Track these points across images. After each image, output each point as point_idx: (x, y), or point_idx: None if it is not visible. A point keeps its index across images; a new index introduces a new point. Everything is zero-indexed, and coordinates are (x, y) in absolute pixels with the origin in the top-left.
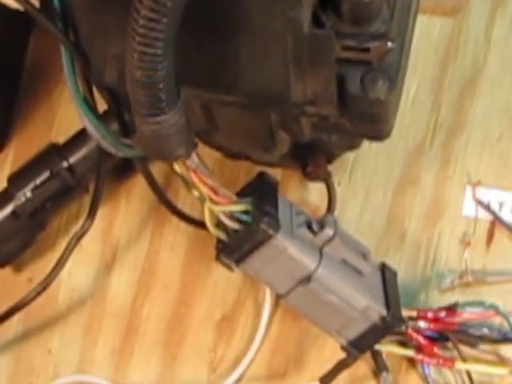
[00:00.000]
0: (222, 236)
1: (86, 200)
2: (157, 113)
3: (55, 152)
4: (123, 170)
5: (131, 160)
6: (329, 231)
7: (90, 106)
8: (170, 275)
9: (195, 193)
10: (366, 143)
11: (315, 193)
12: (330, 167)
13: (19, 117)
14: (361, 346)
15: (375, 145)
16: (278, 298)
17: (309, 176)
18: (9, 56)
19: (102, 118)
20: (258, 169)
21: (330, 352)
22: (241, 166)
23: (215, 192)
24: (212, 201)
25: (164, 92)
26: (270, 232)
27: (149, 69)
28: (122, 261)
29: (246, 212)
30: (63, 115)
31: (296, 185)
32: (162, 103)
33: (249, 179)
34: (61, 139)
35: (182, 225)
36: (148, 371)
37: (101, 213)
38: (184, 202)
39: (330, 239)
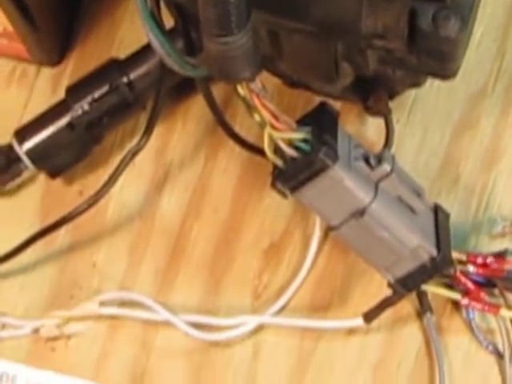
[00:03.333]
0: (279, 163)
1: (143, 118)
2: (226, 33)
3: (116, 66)
4: (181, 90)
5: (191, 81)
6: (386, 166)
7: (157, 21)
8: (220, 199)
9: (256, 117)
10: (427, 82)
11: (373, 128)
12: (390, 104)
13: (81, 29)
14: (408, 284)
15: (437, 85)
16: (327, 231)
17: (369, 110)
18: None
19: (168, 35)
20: (318, 99)
21: (376, 289)
22: (300, 95)
23: (276, 118)
24: (272, 126)
25: (234, 12)
26: (328, 162)
27: None
28: (174, 181)
29: (305, 140)
30: (126, 31)
31: (354, 119)
32: (231, 23)
33: (307, 109)
34: (122, 55)
35: (237, 150)
36: (191, 293)
37: (156, 132)
38: (240, 128)
39: (387, 175)
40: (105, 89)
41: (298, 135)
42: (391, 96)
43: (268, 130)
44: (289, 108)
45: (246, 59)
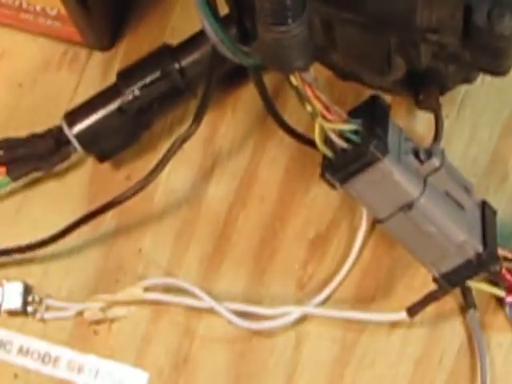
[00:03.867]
0: (329, 154)
1: (192, 105)
2: (281, 22)
3: (168, 53)
4: (232, 78)
5: (242, 69)
6: (436, 161)
7: (212, 8)
8: (268, 189)
9: (308, 108)
10: (478, 78)
11: (422, 122)
12: (441, 99)
13: (133, 15)
14: (453, 280)
15: (488, 81)
16: (374, 224)
17: (420, 104)
18: None
19: (222, 22)
20: (368, 92)
21: (420, 283)
22: (351, 87)
23: (327, 109)
24: (324, 117)
25: (291, 1)
26: (378, 155)
27: None
28: (222, 169)
29: (355, 132)
30: (178, 18)
31: (404, 112)
32: (287, 13)
33: (357, 102)
34: (173, 42)
35: (286, 140)
36: (235, 281)
37: (206, 119)
38: (290, 118)
39: (436, 169)
40: (156, 74)
41: (348, 127)
42: (442, 91)
43: (319, 120)
44: (339, 100)
45: (300, 49)
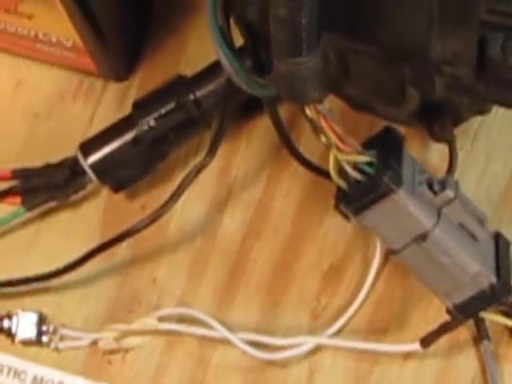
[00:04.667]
0: (343, 185)
1: (207, 136)
2: (296, 54)
3: (183, 84)
4: (247, 110)
5: (257, 100)
6: (450, 192)
7: (227, 39)
8: (281, 221)
9: (323, 139)
10: (492, 110)
11: (436, 154)
12: (455, 130)
13: (149, 45)
14: (467, 311)
15: (502, 113)
16: (388, 255)
17: (433, 136)
18: None
19: (237, 54)
20: (381, 123)
21: (434, 314)
22: (364, 118)
23: (342, 140)
24: (338, 148)
25: (306, 34)
26: (393, 186)
27: (294, 8)
28: (236, 200)
29: (370, 163)
30: (193, 48)
31: (417, 144)
32: (302, 45)
33: (371, 133)
34: (189, 72)
35: (300, 171)
36: (249, 312)
37: (220, 150)
38: (304, 149)
39: (450, 201)
40: (171, 105)
41: (363, 158)
42: (456, 122)
43: (334, 151)
44: (353, 131)
45: (315, 81)
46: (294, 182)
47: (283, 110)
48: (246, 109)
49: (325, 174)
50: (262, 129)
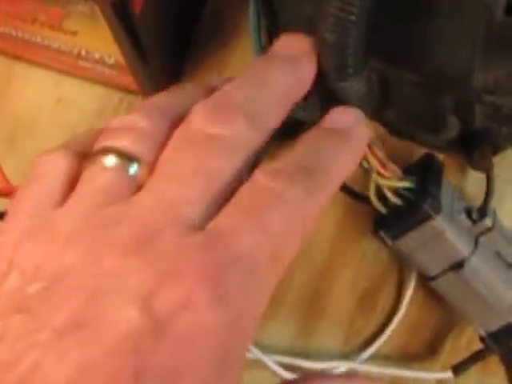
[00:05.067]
0: (383, 210)
1: None
2: (342, 78)
3: None
4: (287, 132)
5: (297, 123)
6: (488, 221)
7: None
8: (318, 244)
9: (364, 164)
10: None
11: (474, 182)
12: (493, 159)
13: (190, 65)
14: (500, 339)
15: None
16: (423, 281)
17: (472, 164)
18: (189, 4)
19: None
20: (420, 150)
21: (466, 341)
22: (404, 145)
23: (383, 166)
24: (379, 174)
25: (352, 59)
26: (432, 213)
27: (341, 33)
28: None
29: (409, 189)
30: (234, 68)
31: (456, 171)
32: (348, 69)
33: (410, 159)
34: None
35: (337, 196)
36: (283, 334)
37: None
38: None
39: (488, 229)
40: None
41: (403, 184)
42: (495, 151)
43: (375, 176)
44: (391, 157)
45: (359, 105)
46: (332, 205)
47: None
48: (285, 131)
49: (362, 198)
50: None
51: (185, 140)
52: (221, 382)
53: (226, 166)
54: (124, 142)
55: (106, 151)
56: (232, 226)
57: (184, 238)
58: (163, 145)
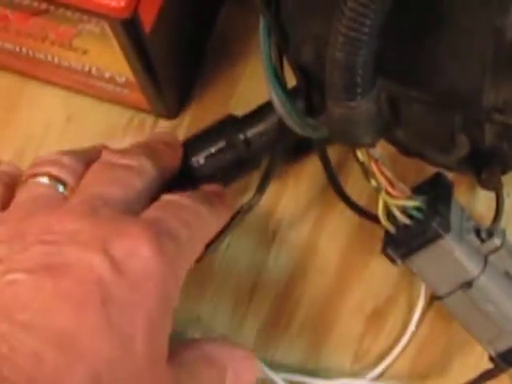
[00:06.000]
0: (392, 229)
1: (255, 176)
2: (351, 97)
3: (234, 123)
4: (296, 150)
5: (306, 141)
6: (497, 241)
7: (281, 80)
8: (327, 262)
9: (373, 182)
10: None
11: (482, 201)
12: (502, 178)
13: (200, 84)
14: (509, 359)
15: None
16: (432, 299)
17: (481, 183)
18: (199, 23)
19: (290, 95)
20: (429, 169)
21: (475, 360)
22: (413, 164)
23: (392, 185)
24: (388, 193)
25: (361, 78)
26: (441, 232)
27: (350, 52)
28: (282, 241)
29: (418, 208)
30: (244, 88)
31: (464, 190)
32: (358, 88)
33: (419, 178)
34: (239, 111)
35: (346, 213)
36: (292, 352)
37: (268, 190)
38: (351, 191)
39: (497, 249)
40: (222, 144)
41: (412, 203)
42: (504, 170)
43: (383, 195)
44: (401, 176)
45: (368, 125)
46: (341, 224)
47: (330, 152)
48: (295, 149)
49: (371, 216)
50: (309, 169)
51: (100, 168)
52: (160, 318)
53: (136, 181)
54: (52, 170)
55: (39, 175)
56: (157, 215)
57: (116, 213)
58: (81, 176)
